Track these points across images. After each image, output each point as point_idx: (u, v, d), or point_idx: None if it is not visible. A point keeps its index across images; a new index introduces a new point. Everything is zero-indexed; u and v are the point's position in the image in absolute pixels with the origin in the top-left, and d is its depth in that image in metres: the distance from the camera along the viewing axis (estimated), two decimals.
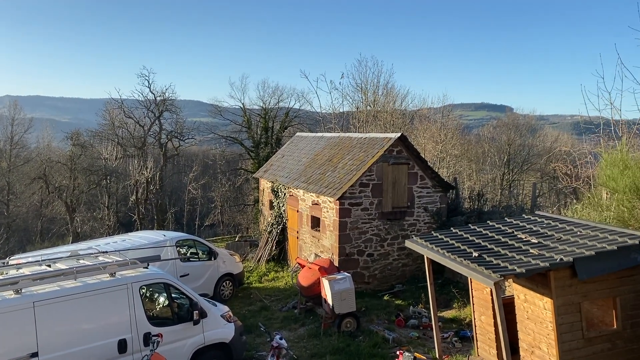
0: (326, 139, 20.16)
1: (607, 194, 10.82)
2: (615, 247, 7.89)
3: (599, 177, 10.59)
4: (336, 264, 14.68)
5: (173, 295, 9.42)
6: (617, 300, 8.26)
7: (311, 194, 16.82)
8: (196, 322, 9.28)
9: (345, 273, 12.77)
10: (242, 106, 37.51)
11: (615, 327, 8.31)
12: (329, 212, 15.69)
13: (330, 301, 12.14)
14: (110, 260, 9.23)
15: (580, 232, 8.89)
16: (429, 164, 17.01)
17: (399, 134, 15.88)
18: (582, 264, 7.75)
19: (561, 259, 7.71)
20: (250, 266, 19.01)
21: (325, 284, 12.33)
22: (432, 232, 10.58)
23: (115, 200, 37.41)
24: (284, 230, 19.31)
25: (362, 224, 15.42)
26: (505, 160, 36.27)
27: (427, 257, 10.00)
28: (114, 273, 8.72)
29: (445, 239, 9.70)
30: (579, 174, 14.83)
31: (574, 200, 15.44)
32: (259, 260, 19.25)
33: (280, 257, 19.32)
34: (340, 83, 47.48)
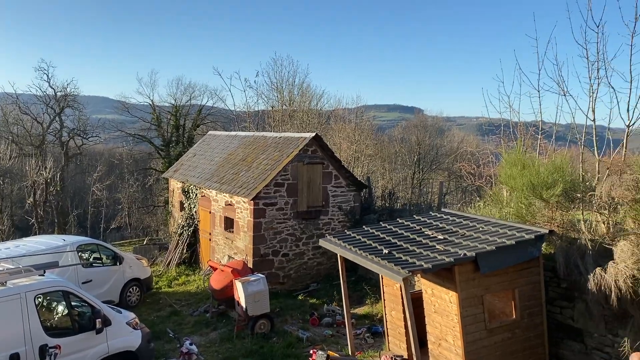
0: (240, 138, 19.82)
1: (507, 191, 11.47)
2: (513, 242, 8.38)
3: (500, 175, 11.19)
4: (250, 265, 14.47)
5: (73, 303, 8.85)
6: (516, 292, 8.78)
7: (224, 194, 16.44)
8: (99, 331, 8.78)
9: (259, 274, 12.62)
10: (151, 103, 36.04)
11: (514, 317, 8.83)
12: (243, 212, 15.42)
13: (243, 303, 11.93)
14: (0, 268, 8.46)
15: (483, 228, 9.35)
16: (343, 163, 17.23)
17: (313, 134, 15.94)
18: (484, 259, 8.15)
19: (465, 254, 8.05)
20: (160, 270, 18.26)
21: (238, 286, 12.09)
22: (346, 230, 10.71)
23: (9, 203, 34.47)
24: (195, 232, 18.73)
25: (277, 224, 15.29)
26: (415, 159, 37.65)
27: (340, 256, 10.10)
28: (5, 282, 8.04)
29: (357, 237, 9.84)
30: (482, 172, 15.64)
31: (477, 198, 16.27)
32: (168, 264, 18.53)
33: (191, 260, 18.72)
34: (255, 81, 46.89)
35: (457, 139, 47.14)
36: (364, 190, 17.76)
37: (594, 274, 7.96)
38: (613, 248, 8.06)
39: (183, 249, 18.55)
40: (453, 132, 52.65)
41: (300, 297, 14.93)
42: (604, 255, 8.25)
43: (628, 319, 7.89)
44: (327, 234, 12.88)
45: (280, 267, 15.45)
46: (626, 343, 7.84)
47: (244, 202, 15.32)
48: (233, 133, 22.03)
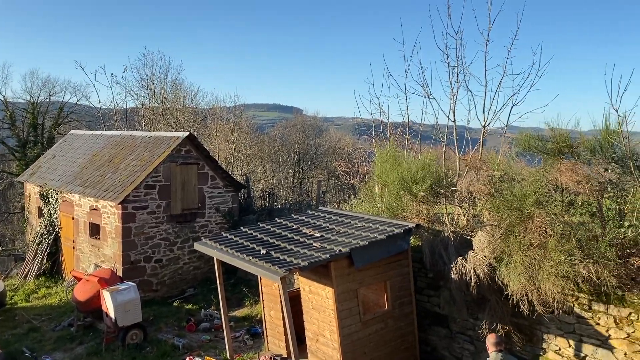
0: (106, 138, 18.50)
1: (379, 188, 11.94)
2: (385, 237, 8.71)
3: (375, 172, 11.60)
4: (120, 273, 13.59)
5: None
6: (388, 284, 9.15)
7: (89, 198, 15.22)
8: None
9: (130, 282, 11.90)
10: (2, 99, 32.39)
11: (386, 308, 9.19)
12: (110, 217, 14.37)
13: (112, 314, 11.15)
14: None
15: (357, 224, 9.62)
16: (220, 163, 16.83)
17: (187, 133, 15.34)
18: (357, 254, 8.37)
19: (340, 250, 8.21)
20: (15, 284, 16.42)
21: (106, 296, 11.29)
22: (223, 232, 10.43)
23: None
24: (57, 241, 17.13)
25: (149, 229, 14.48)
26: (295, 159, 38.04)
27: (216, 259, 9.80)
28: None
29: (235, 239, 9.62)
30: (357, 171, 16.18)
31: (352, 195, 16.80)
32: (26, 276, 16.73)
33: (53, 271, 17.09)
34: (122, 77, 44.21)
35: (335, 139, 48.43)
36: (243, 190, 17.51)
37: (456, 263, 8.52)
38: (472, 239, 8.69)
39: (43, 259, 16.87)
40: (331, 132, 54.06)
41: (176, 304, 14.31)
42: (464, 246, 8.88)
43: (486, 303, 8.57)
44: (203, 237, 12.47)
45: (153, 274, 14.65)
46: (484, 325, 8.51)
47: (111, 206, 14.29)
48: (98, 132, 20.49)
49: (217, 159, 18.18)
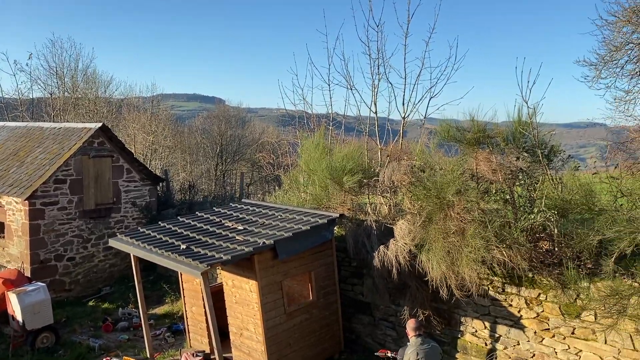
0: (10, 129, 17.14)
1: (303, 177, 11.90)
2: (309, 227, 8.70)
3: (302, 160, 11.53)
4: (28, 273, 12.71)
5: None
6: (312, 274, 9.16)
7: None
8: None
9: (39, 283, 11.17)
10: None
11: (311, 298, 9.20)
12: (16, 214, 13.34)
13: (19, 317, 10.43)
14: None
15: (281, 216, 9.54)
16: (137, 156, 16.10)
17: (99, 124, 14.51)
18: (281, 245, 8.29)
19: (263, 243, 8.09)
20: None
21: (12, 298, 10.52)
22: (140, 227, 9.98)
23: None
24: None
25: (60, 225, 13.60)
26: (218, 151, 37.22)
27: (133, 255, 9.37)
28: None
29: (153, 234, 9.24)
30: (281, 162, 16.05)
31: (277, 187, 16.67)
32: None
33: None
34: (27, 64, 40.93)
35: (259, 130, 47.82)
36: (162, 184, 16.87)
37: (379, 251, 8.65)
38: (394, 227, 8.86)
39: None
40: (255, 123, 53.27)
41: (91, 303, 13.59)
42: (387, 234, 9.03)
43: (407, 289, 8.79)
44: (119, 233, 11.88)
45: (65, 273, 13.79)
46: (406, 311, 8.72)
47: (16, 202, 13.27)
48: (0, 124, 18.94)
49: (133, 151, 17.40)
